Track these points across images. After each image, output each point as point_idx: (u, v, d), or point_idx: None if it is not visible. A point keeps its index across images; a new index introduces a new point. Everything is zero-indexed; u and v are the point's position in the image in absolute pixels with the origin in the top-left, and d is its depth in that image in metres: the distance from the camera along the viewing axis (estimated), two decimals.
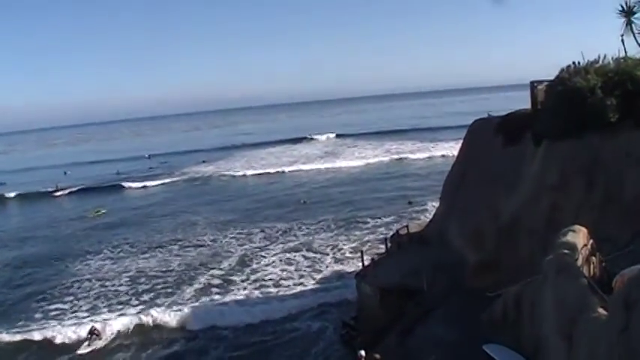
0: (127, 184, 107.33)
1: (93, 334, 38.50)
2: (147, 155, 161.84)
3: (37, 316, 43.31)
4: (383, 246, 40.55)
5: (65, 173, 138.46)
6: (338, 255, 51.23)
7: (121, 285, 48.62)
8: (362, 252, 38.88)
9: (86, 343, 38.00)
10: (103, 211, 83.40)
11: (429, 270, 30.74)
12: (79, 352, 37.01)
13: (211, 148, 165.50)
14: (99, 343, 37.92)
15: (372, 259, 37.53)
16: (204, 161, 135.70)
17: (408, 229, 41.52)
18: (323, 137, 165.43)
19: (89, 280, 50.76)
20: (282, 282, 45.79)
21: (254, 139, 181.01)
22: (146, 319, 39.87)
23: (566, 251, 17.01)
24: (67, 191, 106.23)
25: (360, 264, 37.99)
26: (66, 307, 44.87)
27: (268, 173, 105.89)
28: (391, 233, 44.21)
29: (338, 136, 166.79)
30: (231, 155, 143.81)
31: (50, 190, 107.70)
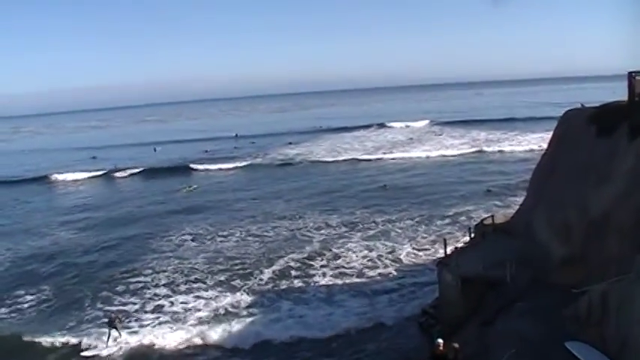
0: (200, 166, 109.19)
1: (113, 325, 35.04)
2: (234, 134, 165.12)
3: (119, 288, 44.97)
4: (462, 236, 40.17)
5: (155, 150, 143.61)
6: (418, 243, 50.94)
7: (197, 263, 49.46)
8: (445, 240, 38.53)
9: (106, 339, 34.87)
10: (195, 186, 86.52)
11: (512, 262, 30.25)
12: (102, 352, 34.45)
13: (297, 131, 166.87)
14: (122, 338, 35.21)
15: (455, 248, 37.22)
16: (290, 143, 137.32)
17: (493, 219, 40.91)
18: (408, 123, 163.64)
19: (169, 257, 51.90)
20: (363, 269, 45.71)
21: (339, 123, 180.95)
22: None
23: None
24: (127, 172, 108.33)
25: (442, 252, 37.71)
26: (148, 279, 46.39)
27: (353, 159, 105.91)
28: (475, 223, 43.62)
29: (422, 122, 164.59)
30: (316, 138, 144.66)
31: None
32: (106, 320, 36.20)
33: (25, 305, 43.14)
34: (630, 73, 29.90)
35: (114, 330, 35.15)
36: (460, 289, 31.83)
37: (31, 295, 44.91)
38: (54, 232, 65.37)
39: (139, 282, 45.86)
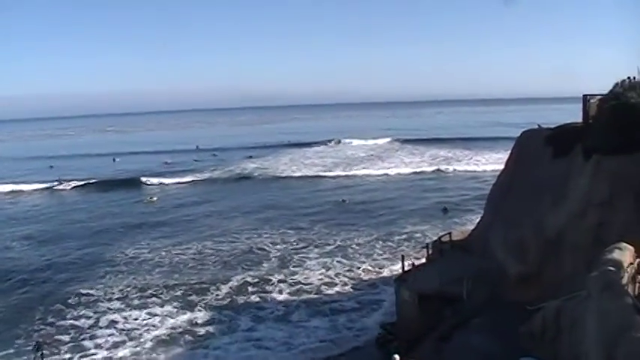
0: (146, 179, 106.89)
1: (40, 349, 32.66)
2: (196, 146, 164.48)
3: (72, 301, 43.84)
4: (419, 253, 40.39)
5: (114, 160, 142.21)
6: (376, 260, 50.97)
7: (153, 279, 48.49)
8: (402, 257, 38.74)
9: None
10: (155, 198, 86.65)
11: (469, 279, 30.55)
12: None
13: (258, 145, 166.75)
14: None
15: (413, 264, 37.40)
16: (250, 156, 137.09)
17: (450, 237, 41.31)
18: (369, 140, 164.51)
19: (122, 272, 50.84)
20: (321, 287, 45.38)
21: (301, 138, 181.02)
22: None
23: (611, 268, 16.80)
24: (71, 185, 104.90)
25: (400, 268, 37.86)
26: (100, 293, 45.18)
27: (313, 174, 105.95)
28: (434, 239, 43.98)
29: (383, 139, 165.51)
30: (277, 152, 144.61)
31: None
32: (34, 344, 34.14)
33: None
34: (585, 96, 30.64)
35: (40, 355, 32.55)
36: (417, 306, 31.97)
37: None
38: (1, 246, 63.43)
39: (92, 296, 44.74)
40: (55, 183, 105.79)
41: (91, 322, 39.96)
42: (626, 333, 14.47)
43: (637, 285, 18.49)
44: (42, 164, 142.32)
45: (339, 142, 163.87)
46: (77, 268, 52.54)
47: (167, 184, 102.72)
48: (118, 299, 43.86)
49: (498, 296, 28.54)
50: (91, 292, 45.46)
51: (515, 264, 29.85)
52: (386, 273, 47.01)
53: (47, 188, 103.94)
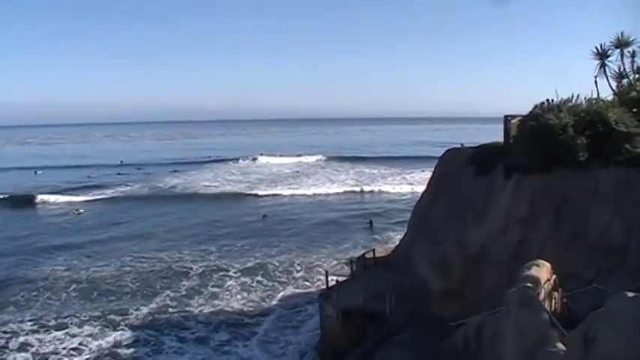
0: (43, 197, 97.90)
1: None
2: (120, 161, 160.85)
3: None
4: (341, 269, 40.22)
5: (36, 172, 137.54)
6: (298, 275, 50.61)
7: (69, 297, 46.38)
8: (326, 272, 38.78)
9: None
10: (82, 210, 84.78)
11: (392, 295, 30.77)
12: None
13: (183, 159, 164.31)
14: None
15: (337, 281, 37.44)
16: (175, 171, 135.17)
17: (374, 253, 41.61)
18: (294, 158, 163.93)
19: (38, 288, 48.25)
20: (242, 301, 44.66)
21: (226, 154, 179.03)
22: None
23: (529, 285, 17.18)
24: None
25: (324, 284, 37.82)
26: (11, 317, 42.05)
27: (235, 191, 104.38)
28: (357, 256, 44.13)
29: (310, 157, 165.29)
30: (202, 168, 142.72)
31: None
32: None
33: None
34: (506, 116, 31.51)
35: None
36: (341, 322, 31.99)
37: None
38: None
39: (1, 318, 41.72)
40: None
41: None
42: (543, 347, 14.81)
43: (553, 301, 18.96)
44: None
45: (255, 159, 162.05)
46: None
47: (90, 201, 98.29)
48: (30, 320, 40.97)
49: (421, 312, 28.83)
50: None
51: (438, 280, 30.28)
52: (309, 288, 46.70)
53: None
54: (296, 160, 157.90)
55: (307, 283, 48.68)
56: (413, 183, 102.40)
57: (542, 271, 18.41)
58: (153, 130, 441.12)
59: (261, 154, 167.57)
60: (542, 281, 17.89)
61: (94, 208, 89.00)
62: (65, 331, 39.38)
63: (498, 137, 33.64)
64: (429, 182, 41.07)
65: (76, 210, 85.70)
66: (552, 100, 28.82)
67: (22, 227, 75.59)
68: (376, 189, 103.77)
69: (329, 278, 37.87)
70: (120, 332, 39.12)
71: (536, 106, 28.95)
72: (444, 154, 39.65)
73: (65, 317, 41.60)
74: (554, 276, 19.17)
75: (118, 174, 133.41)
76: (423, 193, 41.40)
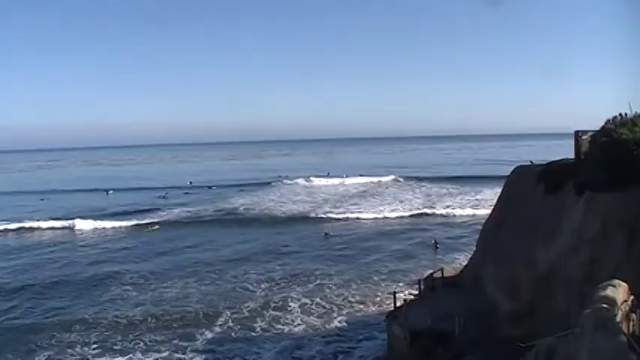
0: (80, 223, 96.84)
1: None
2: (189, 182, 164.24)
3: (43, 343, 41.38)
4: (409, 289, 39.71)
5: (107, 193, 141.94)
6: (359, 296, 50.08)
7: (135, 317, 46.78)
8: (394, 293, 38.44)
9: None
10: (157, 227, 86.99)
11: (461, 315, 30.28)
12: None
13: (250, 180, 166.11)
14: None
15: (405, 301, 37.11)
16: (241, 190, 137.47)
17: (442, 273, 41.11)
18: (361, 176, 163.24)
19: (106, 309, 49.16)
20: (302, 326, 44.15)
21: (289, 173, 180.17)
22: None
23: (604, 306, 16.56)
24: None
25: (392, 304, 37.49)
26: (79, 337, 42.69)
27: (300, 212, 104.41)
28: (425, 275, 43.63)
29: (374, 175, 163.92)
30: (268, 187, 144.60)
31: None
32: None
33: None
34: (577, 132, 30.75)
35: None
36: (409, 342, 31.64)
37: None
38: None
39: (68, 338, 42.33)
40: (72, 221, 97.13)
41: None
42: None
43: (631, 323, 18.24)
44: (34, 198, 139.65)
45: (320, 178, 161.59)
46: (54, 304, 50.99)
47: (157, 222, 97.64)
48: (95, 343, 41.38)
49: (490, 333, 28.25)
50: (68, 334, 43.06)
51: (508, 300, 29.66)
52: (376, 309, 46.33)
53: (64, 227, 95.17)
54: (363, 179, 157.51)
55: (370, 304, 48.15)
56: (480, 201, 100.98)
57: (619, 291, 17.73)
58: (218, 150, 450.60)
59: (328, 174, 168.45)
60: (619, 302, 17.21)
61: (162, 229, 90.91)
62: (129, 356, 39.20)
63: (568, 154, 32.87)
64: (497, 200, 40.44)
65: (151, 225, 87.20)
66: (626, 114, 27.90)
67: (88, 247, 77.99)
68: (442, 207, 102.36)
69: (397, 298, 37.52)
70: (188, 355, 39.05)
71: (608, 121, 28.06)
72: (512, 171, 38.99)
73: (131, 341, 41.72)
74: (632, 297, 18.46)
75: (186, 193, 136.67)
76: (492, 212, 40.77)
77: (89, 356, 39.10)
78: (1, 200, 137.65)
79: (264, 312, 47.27)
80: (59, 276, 61.13)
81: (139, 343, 41.17)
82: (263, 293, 52.46)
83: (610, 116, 28.26)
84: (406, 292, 46.35)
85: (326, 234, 78.90)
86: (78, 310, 49.06)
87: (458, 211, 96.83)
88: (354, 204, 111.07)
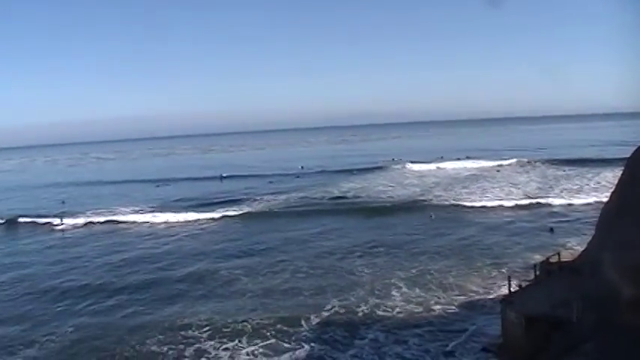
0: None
1: None
2: (300, 167, 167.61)
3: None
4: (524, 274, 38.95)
5: (221, 180, 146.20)
6: (468, 282, 49.38)
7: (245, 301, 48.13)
8: (509, 277, 37.91)
9: None
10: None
11: (579, 301, 29.59)
12: None
13: (358, 163, 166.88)
14: None
15: (520, 286, 36.56)
16: (352, 174, 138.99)
17: (559, 257, 40.15)
18: (472, 160, 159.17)
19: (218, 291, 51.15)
20: (404, 314, 43.42)
21: (399, 157, 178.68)
22: None
23: None
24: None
25: (507, 289, 37.02)
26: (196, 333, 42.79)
27: (407, 194, 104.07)
28: (541, 260, 42.69)
29: (484, 158, 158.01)
30: (377, 172, 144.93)
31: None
32: None
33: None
34: None
35: None
36: (524, 328, 31.25)
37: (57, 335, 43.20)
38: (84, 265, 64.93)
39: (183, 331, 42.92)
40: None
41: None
42: None
43: None
44: (151, 186, 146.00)
45: (433, 162, 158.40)
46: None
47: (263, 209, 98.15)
48: (207, 325, 42.66)
49: (610, 321, 27.48)
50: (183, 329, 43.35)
51: (631, 287, 28.70)
52: (487, 293, 45.99)
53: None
54: (473, 163, 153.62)
55: (479, 289, 47.60)
56: (600, 185, 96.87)
57: None
58: (327, 135, 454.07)
59: (441, 158, 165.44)
60: None
61: (268, 214, 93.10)
62: (238, 340, 39.92)
63: None
64: (617, 183, 38.99)
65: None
66: None
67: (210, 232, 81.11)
68: (559, 190, 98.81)
69: (512, 283, 36.99)
70: (292, 345, 39.00)
71: None
72: (633, 153, 37.45)
73: (240, 322, 42.64)
74: None
75: (297, 177, 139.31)
76: (612, 193, 39.29)
77: (201, 339, 40.50)
78: (119, 188, 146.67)
79: (369, 298, 46.84)
80: (181, 263, 63.24)
81: (246, 327, 41.84)
82: (367, 279, 52.18)
83: None
84: (520, 277, 45.51)
85: (431, 216, 78.83)
86: (194, 299, 50.22)
87: (575, 195, 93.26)
88: (464, 187, 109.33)
